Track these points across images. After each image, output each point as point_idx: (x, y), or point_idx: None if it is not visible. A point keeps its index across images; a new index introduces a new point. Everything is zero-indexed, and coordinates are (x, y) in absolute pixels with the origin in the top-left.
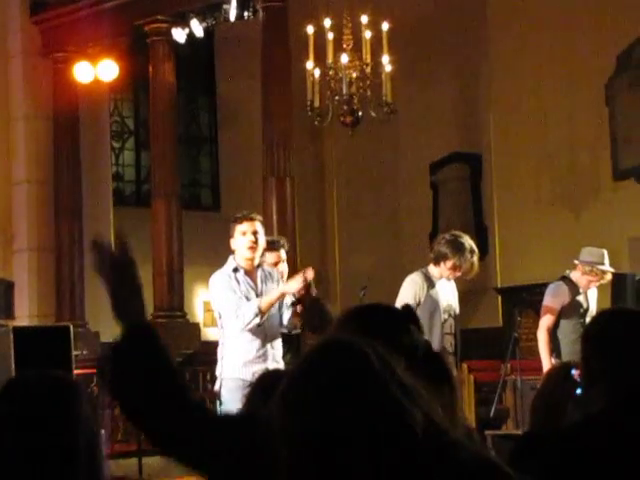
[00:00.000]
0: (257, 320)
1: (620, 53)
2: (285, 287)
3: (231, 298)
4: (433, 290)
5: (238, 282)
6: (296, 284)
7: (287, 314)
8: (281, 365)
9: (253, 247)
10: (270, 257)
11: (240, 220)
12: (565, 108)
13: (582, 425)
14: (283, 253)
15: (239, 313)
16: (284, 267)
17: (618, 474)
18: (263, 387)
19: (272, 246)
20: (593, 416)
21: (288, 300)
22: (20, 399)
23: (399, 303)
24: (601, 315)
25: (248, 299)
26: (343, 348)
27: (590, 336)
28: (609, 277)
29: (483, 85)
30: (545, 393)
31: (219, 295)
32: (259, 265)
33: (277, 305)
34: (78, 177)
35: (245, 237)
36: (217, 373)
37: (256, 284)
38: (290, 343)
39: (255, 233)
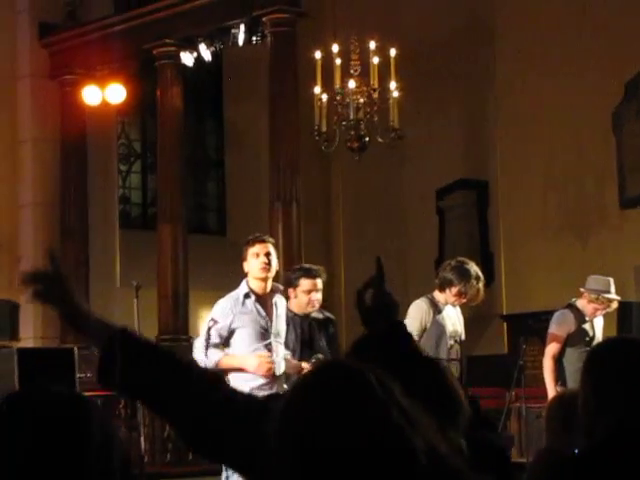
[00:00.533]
0: (200, 360)
1: (628, 81)
2: (247, 363)
3: (213, 328)
4: (439, 316)
5: (246, 308)
6: (259, 367)
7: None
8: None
9: (266, 268)
10: (306, 284)
11: (252, 242)
12: (572, 136)
13: (575, 459)
14: (319, 282)
15: (205, 352)
16: (318, 296)
17: None
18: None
19: (309, 273)
20: (586, 450)
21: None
22: (23, 415)
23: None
24: (601, 345)
25: (253, 328)
26: (342, 371)
27: (589, 367)
28: (615, 305)
29: (490, 112)
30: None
31: (209, 321)
32: (272, 290)
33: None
34: (85, 199)
35: (258, 259)
36: None
37: (268, 311)
38: None
39: (268, 255)
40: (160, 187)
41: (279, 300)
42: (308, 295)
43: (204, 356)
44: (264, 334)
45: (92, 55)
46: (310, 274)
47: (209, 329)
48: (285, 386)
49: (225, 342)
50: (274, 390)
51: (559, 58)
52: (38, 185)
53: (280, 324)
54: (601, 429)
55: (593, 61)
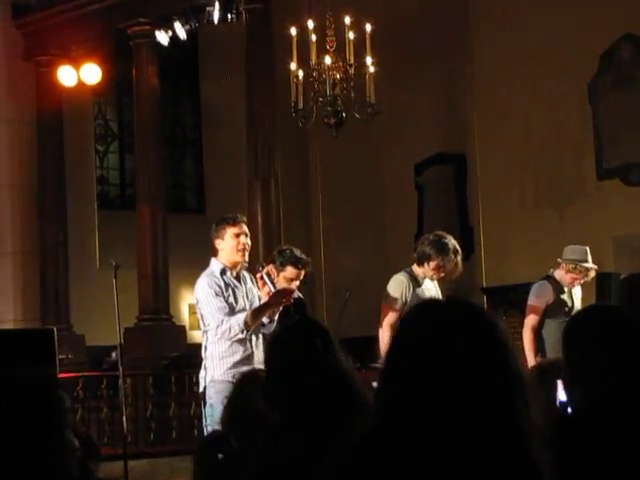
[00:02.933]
0: (242, 335)
1: (603, 52)
2: (272, 302)
3: (217, 305)
4: (419, 289)
5: (226, 284)
6: (283, 299)
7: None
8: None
9: (246, 249)
10: (291, 272)
11: (233, 222)
12: (549, 108)
13: (560, 423)
14: (303, 273)
15: (225, 325)
16: (296, 284)
17: (598, 473)
18: (244, 387)
19: (298, 263)
20: (571, 415)
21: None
22: None
23: (388, 303)
24: (578, 314)
25: (236, 301)
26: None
27: (568, 335)
28: (593, 274)
29: (467, 85)
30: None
31: (204, 300)
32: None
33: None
34: (62, 181)
35: (239, 239)
36: (201, 375)
37: (242, 285)
38: None
39: (247, 235)
40: (138, 167)
41: (246, 274)
42: (289, 282)
43: (237, 331)
44: (244, 306)
45: (67, 35)
46: (298, 265)
47: (214, 308)
48: (261, 361)
49: (202, 317)
50: (253, 365)
51: (534, 31)
52: (15, 167)
53: (252, 297)
54: (576, 398)
55: (568, 33)
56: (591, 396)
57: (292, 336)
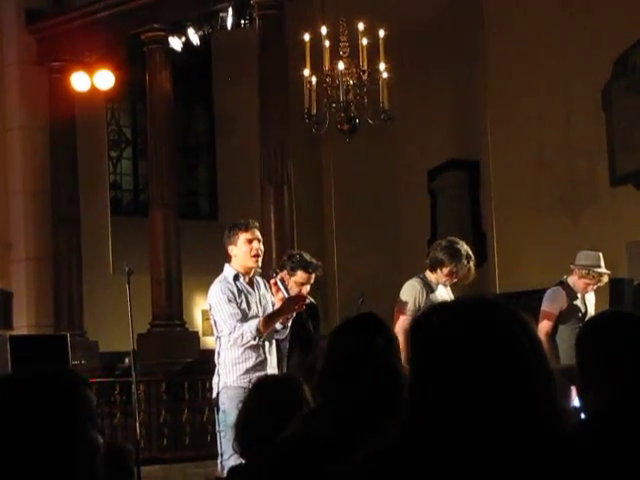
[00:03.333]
0: (254, 342)
1: (617, 58)
2: (284, 309)
3: (230, 311)
4: (433, 295)
5: (239, 290)
6: (294, 308)
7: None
8: (276, 372)
9: (259, 255)
10: (301, 276)
11: (245, 228)
12: (562, 114)
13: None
14: (314, 277)
15: (238, 332)
16: (307, 289)
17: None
18: (259, 393)
19: (308, 268)
20: (585, 421)
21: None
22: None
23: (401, 310)
24: (592, 319)
25: (249, 307)
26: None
27: (582, 341)
28: (606, 279)
29: (480, 91)
30: None
31: (217, 306)
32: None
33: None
34: (75, 186)
35: (251, 245)
36: (214, 381)
37: (255, 290)
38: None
39: (260, 241)
40: (151, 173)
41: (260, 279)
42: (300, 287)
43: (249, 338)
44: (257, 312)
45: (80, 41)
46: (308, 269)
47: (227, 314)
48: (274, 365)
49: (215, 323)
50: (266, 371)
51: (548, 37)
52: (28, 173)
53: (266, 302)
54: (589, 405)
55: (582, 39)
56: (604, 402)
57: (355, 330)
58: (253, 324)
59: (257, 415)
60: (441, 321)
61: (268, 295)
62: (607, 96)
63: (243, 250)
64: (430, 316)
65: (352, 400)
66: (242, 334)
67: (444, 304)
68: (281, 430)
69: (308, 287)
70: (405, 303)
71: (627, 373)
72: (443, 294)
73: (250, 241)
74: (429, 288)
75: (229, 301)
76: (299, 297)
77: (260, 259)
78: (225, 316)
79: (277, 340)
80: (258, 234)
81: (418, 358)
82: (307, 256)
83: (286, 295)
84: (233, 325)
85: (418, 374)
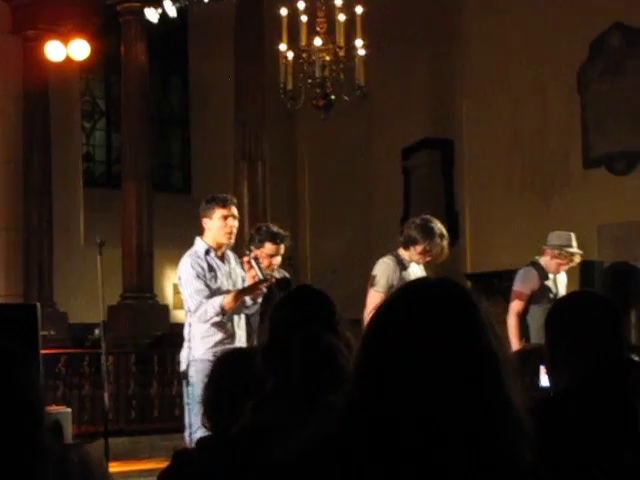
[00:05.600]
0: (218, 319)
1: (593, 40)
2: (250, 289)
3: (197, 287)
4: (405, 272)
5: (209, 265)
6: (255, 292)
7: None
8: (245, 346)
9: (232, 232)
10: (270, 248)
11: (223, 203)
12: (537, 95)
13: (542, 407)
14: (283, 247)
15: (202, 308)
16: (278, 260)
17: (576, 455)
18: (223, 366)
19: (275, 238)
20: (552, 398)
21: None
22: None
23: (374, 286)
24: (561, 299)
25: (218, 282)
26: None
27: (551, 321)
28: (578, 259)
29: (456, 71)
30: None
31: (186, 280)
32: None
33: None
34: (48, 157)
35: (226, 221)
36: (183, 354)
37: (226, 264)
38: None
39: (235, 218)
40: (124, 145)
41: (231, 254)
42: (270, 259)
43: (212, 315)
44: (226, 286)
45: (55, 10)
46: (276, 239)
47: (194, 289)
48: (243, 340)
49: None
50: (234, 344)
51: (525, 18)
52: (0, 142)
53: (235, 277)
54: (557, 384)
55: (559, 21)
56: (573, 381)
57: (284, 304)
58: (217, 301)
59: (223, 389)
60: (393, 304)
61: (238, 269)
62: (582, 79)
63: (217, 225)
64: (391, 301)
65: (284, 374)
66: (205, 310)
67: (406, 287)
68: (246, 403)
69: (279, 259)
70: (378, 280)
71: (595, 352)
72: (416, 272)
73: (226, 217)
74: (402, 266)
75: (197, 277)
76: (268, 281)
77: (233, 236)
78: (192, 292)
79: (247, 314)
80: (235, 211)
81: (366, 338)
82: (274, 227)
83: (259, 274)
84: (199, 301)
85: (365, 355)
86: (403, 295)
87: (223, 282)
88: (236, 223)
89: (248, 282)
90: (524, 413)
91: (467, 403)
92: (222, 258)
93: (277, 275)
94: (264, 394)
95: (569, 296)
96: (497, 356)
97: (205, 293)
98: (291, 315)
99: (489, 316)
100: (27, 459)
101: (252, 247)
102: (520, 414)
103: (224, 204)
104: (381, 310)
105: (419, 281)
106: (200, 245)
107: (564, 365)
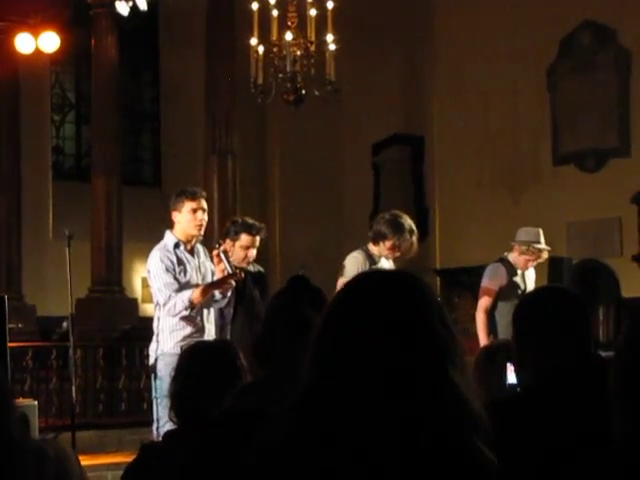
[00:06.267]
0: (186, 312)
1: (563, 38)
2: (219, 283)
3: (166, 281)
4: (375, 267)
5: (178, 258)
6: (225, 286)
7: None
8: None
9: (202, 226)
10: (245, 240)
11: (192, 196)
12: (507, 92)
13: (509, 403)
14: (258, 239)
15: (171, 302)
16: (254, 252)
17: (543, 451)
18: (190, 359)
19: (251, 229)
20: (519, 394)
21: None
22: None
23: (343, 275)
24: (528, 295)
25: (187, 275)
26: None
27: (518, 318)
28: (545, 255)
29: (426, 67)
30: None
31: (155, 273)
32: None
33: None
34: (17, 149)
35: (195, 215)
36: (151, 348)
37: (195, 258)
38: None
39: (205, 211)
40: (94, 138)
41: (200, 247)
42: (245, 251)
43: (181, 309)
44: (196, 280)
45: (25, 2)
46: (251, 231)
47: (163, 283)
48: (212, 333)
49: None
50: (204, 337)
51: (496, 13)
52: None
53: (205, 270)
54: (524, 381)
55: (529, 17)
56: (539, 377)
57: (278, 298)
58: (186, 295)
59: (190, 382)
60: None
61: (208, 263)
62: (552, 76)
63: (187, 219)
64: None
65: (274, 362)
66: (174, 304)
67: (361, 278)
68: (215, 397)
69: (254, 251)
70: (348, 270)
71: (562, 348)
72: (386, 266)
73: (195, 210)
74: (372, 260)
75: (166, 270)
76: (236, 275)
77: (203, 229)
78: (160, 285)
79: (220, 307)
80: (204, 204)
81: (321, 327)
82: (249, 220)
83: (228, 267)
84: (168, 295)
85: (318, 342)
86: (357, 282)
87: (192, 276)
88: (205, 217)
89: (217, 276)
90: (476, 409)
91: (406, 393)
92: (192, 252)
93: (252, 269)
94: (252, 381)
95: (536, 291)
96: (443, 349)
97: (174, 287)
98: (287, 305)
99: (442, 309)
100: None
101: (227, 239)
102: (471, 410)
103: (193, 197)
104: (335, 297)
105: (373, 272)
106: (170, 238)
107: (531, 361)
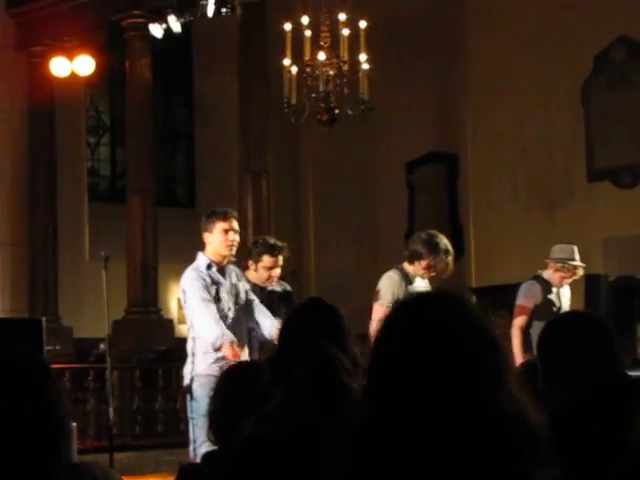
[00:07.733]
0: (211, 348)
1: (597, 53)
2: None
3: (202, 296)
4: (411, 287)
5: (211, 279)
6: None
7: (266, 322)
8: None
9: (233, 246)
10: (268, 260)
11: (223, 217)
12: (541, 108)
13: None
14: (281, 259)
15: (208, 325)
16: (277, 272)
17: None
18: (228, 380)
19: (273, 251)
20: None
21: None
22: None
23: (378, 300)
24: (553, 320)
25: (219, 296)
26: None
27: (542, 340)
28: (581, 272)
29: (460, 85)
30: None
31: (191, 291)
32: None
33: (245, 309)
34: (53, 172)
35: (227, 235)
36: (186, 369)
37: (226, 279)
38: None
39: (236, 232)
40: (129, 160)
41: (233, 268)
42: (269, 271)
43: (215, 337)
44: (227, 302)
45: (60, 26)
46: (273, 252)
47: (200, 298)
48: (245, 355)
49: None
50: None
51: (529, 30)
52: (6, 158)
53: (237, 292)
54: (547, 402)
55: (563, 33)
56: (564, 399)
57: (293, 319)
58: (216, 333)
59: (227, 403)
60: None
61: (240, 284)
62: (586, 92)
63: (218, 239)
64: (392, 318)
65: (285, 384)
66: (211, 330)
67: (406, 303)
68: (251, 417)
69: (278, 270)
70: (383, 294)
71: (587, 371)
72: (421, 286)
73: (226, 231)
74: (407, 280)
75: (202, 287)
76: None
77: (234, 249)
78: (198, 300)
79: (249, 329)
80: (235, 225)
81: (373, 359)
82: (271, 239)
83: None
84: (204, 308)
85: (372, 375)
86: (399, 312)
87: (224, 297)
88: (237, 237)
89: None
90: (525, 424)
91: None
92: (223, 273)
93: (278, 288)
94: (268, 407)
95: (559, 317)
96: (486, 368)
97: (210, 302)
98: (300, 327)
99: (490, 328)
100: (54, 475)
101: (250, 261)
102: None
103: (225, 217)
104: (380, 331)
105: (416, 297)
106: (202, 260)
107: (556, 385)
